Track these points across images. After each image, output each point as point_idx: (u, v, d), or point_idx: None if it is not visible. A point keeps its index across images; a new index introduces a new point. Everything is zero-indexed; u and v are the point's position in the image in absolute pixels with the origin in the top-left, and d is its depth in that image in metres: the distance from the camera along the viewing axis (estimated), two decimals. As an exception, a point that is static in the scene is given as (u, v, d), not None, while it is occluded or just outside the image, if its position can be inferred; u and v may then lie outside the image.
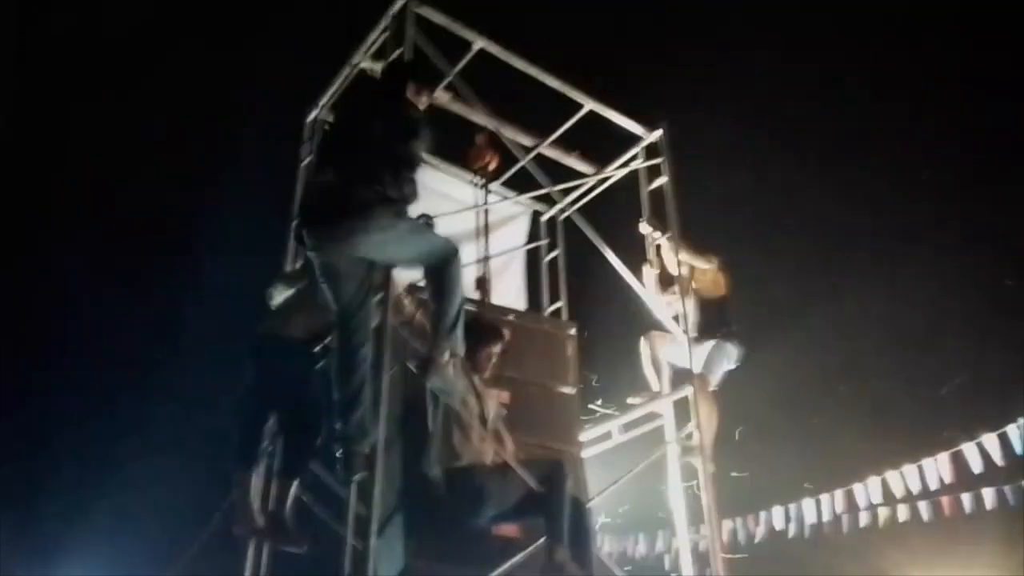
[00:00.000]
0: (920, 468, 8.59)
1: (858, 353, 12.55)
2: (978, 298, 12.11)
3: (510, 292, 6.27)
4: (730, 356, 5.59)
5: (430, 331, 3.83)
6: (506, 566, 3.94)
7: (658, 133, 5.95)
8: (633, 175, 6.14)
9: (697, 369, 5.32)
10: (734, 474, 9.89)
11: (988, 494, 9.05)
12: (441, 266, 3.76)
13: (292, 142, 6.08)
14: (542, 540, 3.91)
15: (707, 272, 5.78)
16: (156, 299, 11.37)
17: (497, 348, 4.41)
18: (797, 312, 11.76)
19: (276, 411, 4.27)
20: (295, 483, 4.27)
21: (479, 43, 5.25)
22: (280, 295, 4.58)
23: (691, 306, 5.66)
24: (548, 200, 6.51)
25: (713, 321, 5.66)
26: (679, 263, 5.66)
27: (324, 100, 5.93)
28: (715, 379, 5.50)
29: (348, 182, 3.62)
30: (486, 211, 5.84)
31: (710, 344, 5.56)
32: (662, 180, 5.88)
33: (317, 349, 4.34)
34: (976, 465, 8.23)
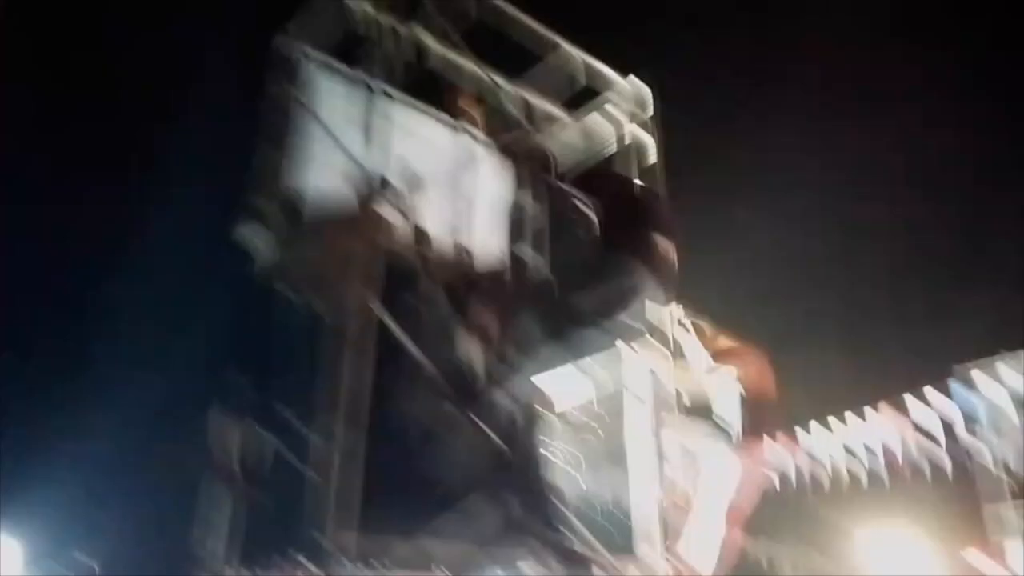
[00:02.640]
0: (863, 420, 8.90)
1: (814, 305, 12.78)
2: (936, 258, 12.35)
3: (487, 242, 6.21)
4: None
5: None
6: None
7: (637, 82, 5.88)
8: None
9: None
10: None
11: (927, 450, 9.48)
12: None
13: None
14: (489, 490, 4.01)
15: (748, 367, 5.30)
16: (108, 225, 10.88)
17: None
18: (749, 265, 11.88)
19: (256, 357, 4.19)
20: (268, 430, 4.25)
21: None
22: (260, 237, 4.46)
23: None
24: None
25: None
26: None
27: (293, 27, 5.70)
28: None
29: None
30: (463, 155, 5.74)
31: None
32: (641, 132, 5.82)
33: (301, 297, 4.26)
34: (920, 419, 8.56)
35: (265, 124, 5.62)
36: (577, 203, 4.72)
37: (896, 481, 10.30)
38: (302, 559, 4.40)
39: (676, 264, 4.56)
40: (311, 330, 4.23)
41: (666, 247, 4.47)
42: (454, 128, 5.80)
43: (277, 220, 4.69)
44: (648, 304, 4.82)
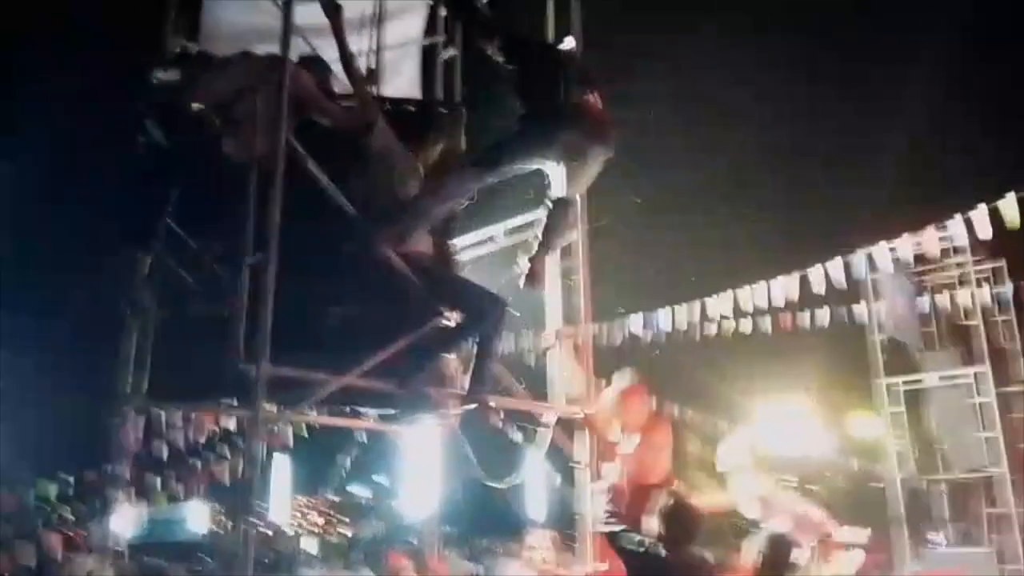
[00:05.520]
0: (768, 286, 9.29)
1: (721, 172, 13.14)
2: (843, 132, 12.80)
3: (404, 88, 6.10)
4: None
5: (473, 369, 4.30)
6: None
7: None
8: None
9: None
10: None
11: (822, 314, 10.03)
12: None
13: None
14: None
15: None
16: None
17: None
18: (665, 126, 12.00)
19: (169, 187, 4.09)
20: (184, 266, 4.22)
21: None
22: (169, 75, 4.28)
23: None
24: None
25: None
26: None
27: None
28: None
29: None
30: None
31: None
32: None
33: (218, 123, 4.12)
34: (819, 287, 8.99)
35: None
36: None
37: (792, 353, 10.92)
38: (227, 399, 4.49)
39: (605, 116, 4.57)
40: (224, 168, 4.15)
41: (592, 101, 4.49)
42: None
43: (191, 58, 4.56)
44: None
